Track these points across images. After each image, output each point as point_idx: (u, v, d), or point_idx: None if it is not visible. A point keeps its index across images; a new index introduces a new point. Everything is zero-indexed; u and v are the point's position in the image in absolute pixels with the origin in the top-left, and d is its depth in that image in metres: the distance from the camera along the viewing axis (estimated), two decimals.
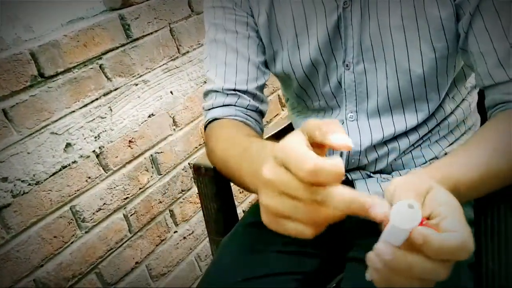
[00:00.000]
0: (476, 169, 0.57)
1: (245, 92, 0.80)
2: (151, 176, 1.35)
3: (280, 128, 1.12)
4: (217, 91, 0.81)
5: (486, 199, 0.66)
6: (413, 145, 0.82)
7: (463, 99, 0.84)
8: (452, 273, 0.50)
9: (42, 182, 1.09)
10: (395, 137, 0.81)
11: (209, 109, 0.82)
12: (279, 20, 0.80)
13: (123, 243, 1.28)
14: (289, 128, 1.06)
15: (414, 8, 0.70)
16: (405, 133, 0.80)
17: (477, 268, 0.71)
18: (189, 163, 1.45)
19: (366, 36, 0.74)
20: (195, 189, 1.46)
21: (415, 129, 0.80)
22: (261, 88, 0.84)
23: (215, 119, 0.80)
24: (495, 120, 0.66)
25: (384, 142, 0.81)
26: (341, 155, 0.85)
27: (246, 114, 0.81)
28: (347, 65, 0.77)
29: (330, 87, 0.81)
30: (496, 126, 0.63)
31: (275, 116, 1.81)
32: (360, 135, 0.81)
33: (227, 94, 0.80)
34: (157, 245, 1.37)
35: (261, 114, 0.85)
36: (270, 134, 1.12)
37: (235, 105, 0.80)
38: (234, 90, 0.80)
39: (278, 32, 0.81)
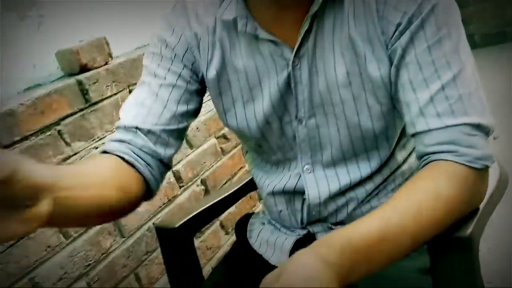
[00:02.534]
0: (375, 223, 0.61)
1: (146, 132, 0.76)
2: (114, 240, 1.32)
3: (243, 183, 1.14)
4: (119, 127, 0.78)
5: (437, 246, 0.69)
6: (370, 194, 0.85)
7: (414, 147, 0.88)
8: None
9: None
10: (352, 187, 0.83)
11: (108, 141, 0.78)
12: (230, 76, 0.82)
13: None
14: (251, 183, 1.07)
15: (357, 65, 0.74)
16: (361, 183, 0.83)
17: None
18: (153, 223, 1.43)
19: (316, 92, 0.78)
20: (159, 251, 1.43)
21: (370, 178, 0.83)
22: (172, 133, 0.80)
23: (105, 152, 0.76)
24: (414, 178, 0.68)
25: (342, 193, 0.84)
26: (302, 208, 0.87)
27: (136, 155, 0.75)
28: (299, 120, 0.80)
29: (287, 140, 0.84)
30: (416, 188, 0.66)
31: (239, 170, 1.83)
32: (318, 186, 0.84)
33: (127, 131, 0.76)
34: None
35: (159, 158, 0.79)
36: (233, 190, 1.13)
37: (128, 143, 0.76)
38: (136, 128, 0.76)
39: (229, 88, 0.83)
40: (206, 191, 1.65)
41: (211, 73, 0.82)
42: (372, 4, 0.72)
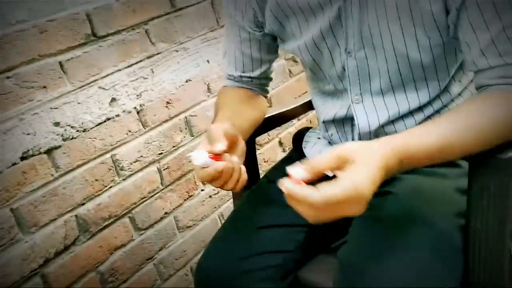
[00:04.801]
0: (433, 140, 0.68)
1: (249, 76, 1.04)
2: (184, 137, 1.47)
3: (304, 101, 1.23)
4: (230, 74, 1.05)
5: (478, 161, 0.75)
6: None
7: (471, 81, 0.91)
8: (443, 234, 0.64)
9: (88, 130, 1.23)
10: (401, 117, 0.89)
11: (226, 79, 1.08)
12: (286, 12, 0.89)
13: (155, 194, 1.41)
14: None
15: (408, 1, 0.77)
16: (410, 113, 0.88)
17: (466, 229, 0.79)
18: None
19: (366, 25, 0.82)
20: None
21: (419, 109, 0.88)
22: (264, 71, 1.04)
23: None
24: (471, 100, 0.75)
25: (391, 122, 0.89)
26: (352, 138, 0.95)
27: (252, 85, 1.06)
28: (349, 52, 0.86)
29: (336, 71, 0.90)
30: (469, 106, 0.73)
31: (304, 93, 1.90)
32: (367, 115, 0.90)
33: (235, 77, 1.05)
34: (185, 200, 1.50)
35: (265, 81, 1.08)
36: (294, 106, 1.23)
37: (241, 81, 1.05)
38: (241, 76, 1.04)
39: (286, 23, 0.91)
40: (270, 106, 1.75)
41: (268, 13, 0.91)
42: None
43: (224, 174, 0.75)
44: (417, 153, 0.68)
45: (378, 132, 0.90)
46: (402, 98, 0.88)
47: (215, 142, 0.75)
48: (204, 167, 0.74)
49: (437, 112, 0.89)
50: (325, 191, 0.60)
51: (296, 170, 0.64)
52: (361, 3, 0.81)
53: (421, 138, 0.69)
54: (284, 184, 0.63)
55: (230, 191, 1.07)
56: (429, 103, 0.88)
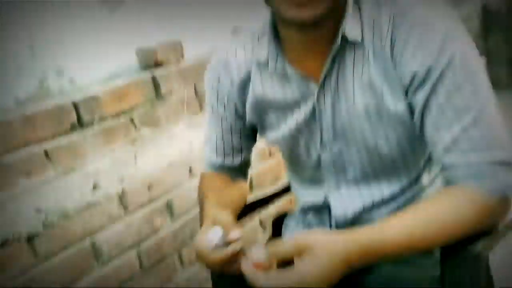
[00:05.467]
0: (397, 235, 0.73)
1: (229, 165, 1.06)
2: (165, 220, 1.48)
3: (285, 186, 1.26)
4: (210, 161, 1.06)
5: (449, 253, 0.78)
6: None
7: (440, 171, 0.96)
8: None
9: (69, 216, 1.23)
10: (375, 206, 0.93)
11: (206, 165, 1.08)
12: (265, 105, 0.95)
13: (134, 279, 1.39)
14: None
15: (375, 101, 0.83)
16: (384, 203, 0.92)
17: None
18: None
19: (338, 121, 0.88)
20: None
21: (393, 199, 0.92)
22: (244, 158, 1.07)
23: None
24: (436, 196, 0.80)
25: (366, 211, 0.93)
26: (330, 225, 0.98)
27: (232, 172, 1.07)
28: (324, 145, 0.92)
29: (312, 162, 0.95)
30: (433, 202, 0.78)
31: (284, 173, 1.94)
32: (343, 204, 0.94)
33: (216, 164, 1.06)
34: (164, 284, 1.48)
35: (245, 167, 1.10)
36: (274, 190, 1.26)
37: (221, 167, 1.06)
38: (222, 163, 1.06)
39: (265, 115, 0.96)
40: (251, 188, 1.78)
41: (248, 107, 0.97)
42: (389, 49, 0.80)
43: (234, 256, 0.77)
44: (381, 248, 0.72)
45: (353, 220, 0.93)
46: (375, 188, 0.93)
47: (230, 229, 0.77)
48: (217, 248, 0.75)
49: (410, 201, 0.93)
50: (273, 278, 0.67)
51: (257, 253, 0.70)
52: (333, 101, 0.87)
53: (385, 234, 0.73)
54: (243, 265, 0.70)
55: (210, 279, 1.07)
56: (401, 193, 0.93)
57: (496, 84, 0.81)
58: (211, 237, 0.76)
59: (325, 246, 0.68)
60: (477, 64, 0.79)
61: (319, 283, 0.66)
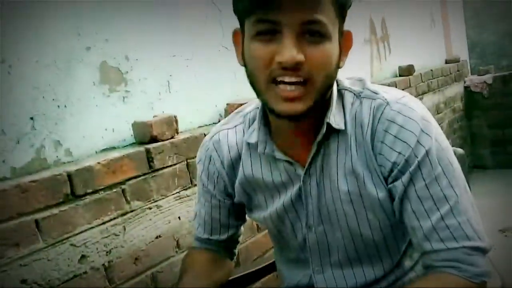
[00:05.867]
0: None
1: (216, 240, 1.10)
2: None
3: (272, 261, 1.28)
4: (198, 237, 1.12)
5: None
6: None
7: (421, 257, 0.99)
8: None
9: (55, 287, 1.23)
10: None
11: (195, 239, 1.14)
12: (253, 186, 1.00)
13: None
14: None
15: (358, 187, 0.89)
16: (368, 285, 0.95)
17: None
18: None
19: (323, 205, 0.93)
20: None
21: (376, 282, 0.96)
22: (232, 235, 1.11)
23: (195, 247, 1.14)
24: (424, 279, 0.83)
25: None
26: None
27: (218, 247, 1.12)
28: (309, 227, 0.96)
29: (298, 242, 0.99)
30: (422, 284, 0.82)
31: (271, 248, 1.95)
32: (327, 286, 0.97)
33: (203, 240, 1.11)
34: None
35: (232, 244, 1.15)
36: (262, 266, 1.28)
37: (209, 243, 1.11)
38: (209, 239, 1.10)
39: (252, 195, 1.02)
40: (237, 263, 1.78)
41: (237, 186, 1.02)
42: (370, 139, 0.86)
43: None
44: None
45: None
46: (359, 272, 0.96)
47: None
48: None
49: (392, 284, 0.96)
50: None
51: None
52: (318, 186, 0.92)
53: None
54: None
55: None
56: (384, 276, 0.96)
57: (481, 164, 0.88)
58: None
59: None
60: (451, 157, 0.85)
61: None
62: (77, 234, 1.28)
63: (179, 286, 0.98)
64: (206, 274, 1.04)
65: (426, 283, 0.82)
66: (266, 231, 1.94)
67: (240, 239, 1.16)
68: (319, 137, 0.88)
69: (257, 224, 1.92)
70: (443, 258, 0.81)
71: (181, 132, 1.67)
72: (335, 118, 0.88)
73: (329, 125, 0.87)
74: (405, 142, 0.83)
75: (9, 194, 1.16)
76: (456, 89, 4.14)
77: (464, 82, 4.25)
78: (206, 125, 1.85)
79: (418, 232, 0.84)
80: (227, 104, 1.89)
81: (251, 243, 1.88)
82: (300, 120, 0.85)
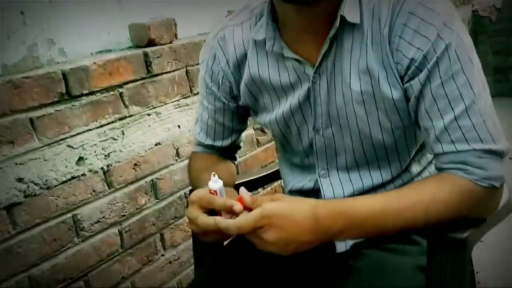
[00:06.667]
0: (375, 203, 0.75)
1: (220, 145, 1.06)
2: (149, 199, 1.46)
3: (271, 171, 1.26)
4: (200, 141, 1.07)
5: (435, 240, 0.79)
6: None
7: (430, 162, 0.97)
8: None
9: (52, 188, 1.21)
10: (366, 192, 0.92)
11: (196, 145, 1.10)
12: (259, 87, 0.94)
13: (113, 257, 1.37)
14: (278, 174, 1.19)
15: (371, 86, 0.83)
16: (373, 190, 0.92)
17: None
18: (185, 193, 1.56)
19: (333, 106, 0.88)
20: (186, 218, 1.56)
21: (382, 186, 0.93)
22: (234, 140, 1.08)
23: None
24: (423, 179, 0.82)
25: (356, 196, 0.91)
26: None
27: (222, 152, 1.09)
28: (317, 130, 0.91)
29: (303, 147, 0.95)
30: (418, 184, 0.81)
31: (270, 163, 1.94)
32: (333, 189, 0.94)
33: (205, 144, 1.07)
34: (144, 265, 1.46)
35: (234, 149, 1.12)
36: (260, 175, 1.26)
37: (212, 148, 1.07)
38: (212, 143, 1.06)
39: (259, 97, 0.96)
40: (237, 174, 1.77)
41: (243, 87, 0.96)
42: (387, 34, 0.79)
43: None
44: (352, 213, 0.74)
45: None
46: (366, 175, 0.93)
47: (233, 202, 0.76)
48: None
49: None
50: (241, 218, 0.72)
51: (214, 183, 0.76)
52: (328, 86, 0.87)
53: (356, 200, 0.76)
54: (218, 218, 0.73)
55: (192, 258, 1.06)
56: (391, 181, 0.93)
57: None
58: (211, 185, 0.76)
59: (292, 205, 0.73)
60: (472, 55, 0.79)
61: (289, 239, 0.71)
62: (74, 135, 1.25)
63: (200, 185, 0.94)
64: (219, 174, 1.01)
65: (424, 180, 0.81)
66: (266, 145, 1.92)
67: (242, 144, 1.12)
68: (332, 32, 0.82)
69: (257, 138, 1.89)
70: (451, 160, 0.78)
71: (180, 38, 1.59)
72: (349, 10, 0.81)
73: (343, 18, 0.81)
74: (424, 36, 0.77)
75: (1, 90, 1.10)
76: (463, 13, 4.00)
77: (473, 6, 4.10)
78: (206, 33, 1.76)
79: (431, 133, 0.80)
80: (228, 11, 1.79)
81: (251, 156, 1.86)
82: (310, 9, 0.78)
